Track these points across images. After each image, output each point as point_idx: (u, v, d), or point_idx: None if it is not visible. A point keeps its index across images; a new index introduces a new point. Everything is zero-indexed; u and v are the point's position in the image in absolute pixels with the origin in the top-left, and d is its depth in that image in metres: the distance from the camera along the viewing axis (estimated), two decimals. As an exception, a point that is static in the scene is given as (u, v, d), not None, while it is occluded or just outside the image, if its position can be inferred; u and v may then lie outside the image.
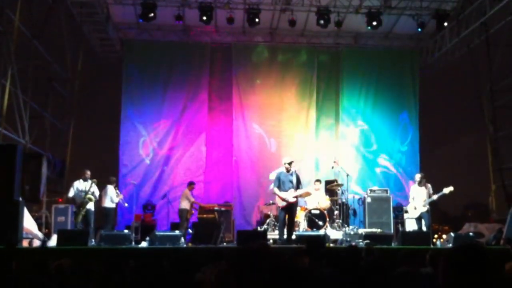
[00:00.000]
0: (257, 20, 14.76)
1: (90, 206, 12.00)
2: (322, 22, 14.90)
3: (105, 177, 13.27)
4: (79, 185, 12.10)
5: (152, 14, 14.42)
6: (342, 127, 17.30)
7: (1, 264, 4.48)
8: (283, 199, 10.93)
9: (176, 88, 16.81)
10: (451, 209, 16.40)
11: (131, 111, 16.57)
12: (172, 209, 13.45)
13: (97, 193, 12.26)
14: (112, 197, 13.06)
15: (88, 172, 12.26)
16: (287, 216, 11.07)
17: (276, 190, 11.04)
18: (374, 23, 14.99)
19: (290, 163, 11.13)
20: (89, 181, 12.18)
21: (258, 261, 2.90)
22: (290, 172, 11.13)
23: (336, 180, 14.91)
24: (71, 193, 12.08)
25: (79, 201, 11.87)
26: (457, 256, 2.22)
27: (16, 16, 12.34)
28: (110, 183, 13.21)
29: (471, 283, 2.13)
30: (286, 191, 10.96)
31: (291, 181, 11.05)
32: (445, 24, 15.15)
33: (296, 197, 11.08)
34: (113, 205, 13.29)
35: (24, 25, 13.04)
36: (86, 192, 11.88)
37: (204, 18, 14.60)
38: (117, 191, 13.30)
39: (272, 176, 12.51)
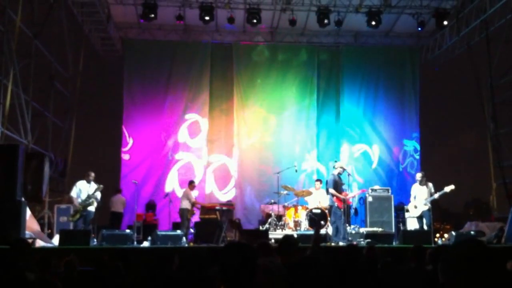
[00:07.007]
0: (255, 21, 14.84)
1: (91, 208, 11.86)
2: (322, 21, 14.93)
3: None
4: (82, 186, 11.95)
5: (153, 15, 14.47)
6: (343, 126, 17.32)
7: (6, 263, 4.51)
8: (343, 200, 11.82)
9: (177, 88, 16.86)
10: (452, 207, 16.41)
11: (133, 110, 16.59)
12: (174, 208, 13.44)
13: (99, 196, 12.04)
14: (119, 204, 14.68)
15: (92, 174, 12.06)
16: None
17: (334, 191, 11.81)
18: (374, 22, 15.01)
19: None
20: (94, 185, 11.93)
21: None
22: None
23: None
24: (73, 193, 11.95)
25: (82, 203, 11.72)
26: (460, 251, 2.19)
27: (18, 16, 12.33)
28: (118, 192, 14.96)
29: (475, 277, 2.12)
30: (340, 192, 11.91)
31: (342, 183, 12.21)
32: (445, 22, 15.16)
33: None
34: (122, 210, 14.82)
35: (25, 24, 13.04)
36: (90, 197, 11.75)
37: (205, 18, 14.65)
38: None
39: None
